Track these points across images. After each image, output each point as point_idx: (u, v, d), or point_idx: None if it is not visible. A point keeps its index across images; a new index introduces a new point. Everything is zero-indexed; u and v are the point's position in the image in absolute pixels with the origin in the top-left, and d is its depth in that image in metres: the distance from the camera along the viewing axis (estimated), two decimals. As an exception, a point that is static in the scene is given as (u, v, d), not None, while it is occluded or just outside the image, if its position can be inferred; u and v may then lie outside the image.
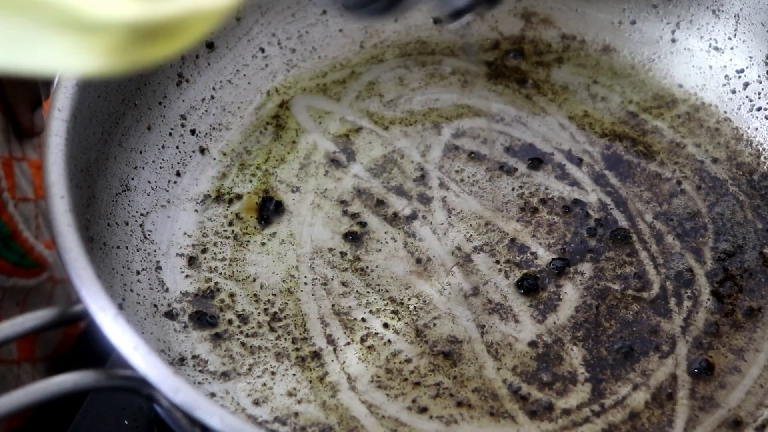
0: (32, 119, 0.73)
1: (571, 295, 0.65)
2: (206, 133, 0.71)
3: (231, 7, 0.38)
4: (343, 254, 0.66)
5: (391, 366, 0.62)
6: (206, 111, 0.72)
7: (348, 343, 0.62)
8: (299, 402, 0.60)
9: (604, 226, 0.68)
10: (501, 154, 0.71)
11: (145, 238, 0.66)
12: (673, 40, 0.76)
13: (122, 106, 0.66)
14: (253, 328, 0.63)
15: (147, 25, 0.37)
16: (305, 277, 0.65)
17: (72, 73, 0.37)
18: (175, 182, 0.69)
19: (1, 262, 0.72)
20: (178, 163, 0.69)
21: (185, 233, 0.67)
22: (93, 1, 0.36)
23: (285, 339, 0.63)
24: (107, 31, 0.37)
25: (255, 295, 0.64)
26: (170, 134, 0.70)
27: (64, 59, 0.37)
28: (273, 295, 0.64)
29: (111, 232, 0.64)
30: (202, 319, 0.63)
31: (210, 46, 0.72)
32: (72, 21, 0.36)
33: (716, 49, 0.75)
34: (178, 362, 0.61)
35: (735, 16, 0.74)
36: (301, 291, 0.65)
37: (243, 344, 0.62)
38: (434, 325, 0.63)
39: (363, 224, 0.68)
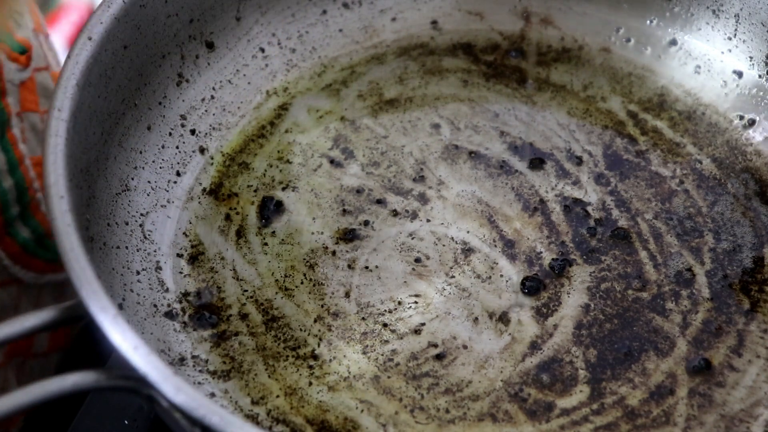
0: None
1: (571, 294, 0.65)
2: (206, 133, 0.71)
3: None
4: (342, 254, 0.66)
5: (389, 365, 0.62)
6: (206, 111, 0.72)
7: (346, 343, 0.62)
8: (297, 401, 0.60)
9: (604, 226, 0.68)
10: (501, 153, 0.71)
11: (145, 238, 0.66)
12: (673, 40, 0.76)
13: (122, 106, 0.66)
14: (252, 327, 0.63)
15: None
16: (304, 276, 0.65)
17: None
18: (175, 182, 0.69)
19: (36, 262, 0.72)
20: (178, 163, 0.69)
21: (185, 233, 0.67)
22: None
23: (283, 338, 0.63)
24: None
25: (254, 294, 0.65)
26: (170, 134, 0.70)
27: None
28: (272, 294, 0.65)
29: (111, 232, 0.64)
30: (202, 319, 0.63)
31: (210, 46, 0.72)
32: None
33: (716, 49, 0.75)
34: (178, 362, 0.61)
35: (735, 16, 0.74)
36: (300, 290, 0.65)
37: (242, 344, 0.62)
38: (433, 324, 0.63)
39: (362, 223, 0.68)
